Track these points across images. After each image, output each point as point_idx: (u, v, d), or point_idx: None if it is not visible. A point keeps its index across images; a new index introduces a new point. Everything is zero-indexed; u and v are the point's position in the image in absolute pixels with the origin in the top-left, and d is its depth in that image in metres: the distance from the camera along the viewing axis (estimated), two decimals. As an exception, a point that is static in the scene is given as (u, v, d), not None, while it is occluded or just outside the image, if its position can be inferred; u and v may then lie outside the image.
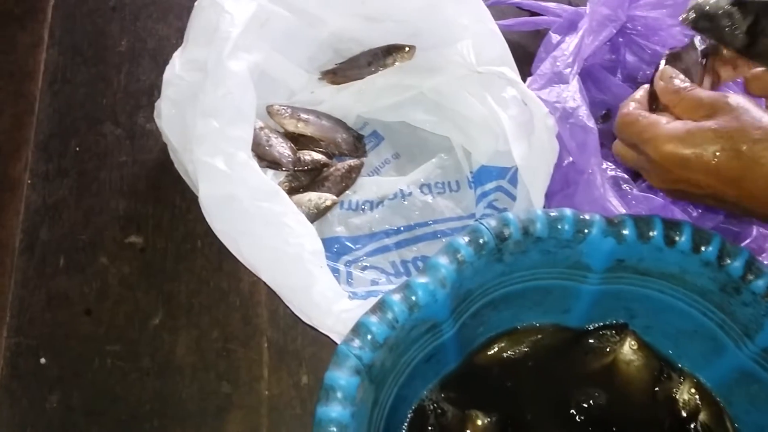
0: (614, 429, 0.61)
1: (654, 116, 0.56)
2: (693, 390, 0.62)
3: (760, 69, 0.59)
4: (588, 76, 0.83)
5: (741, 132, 0.50)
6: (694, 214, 0.73)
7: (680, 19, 0.60)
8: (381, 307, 0.52)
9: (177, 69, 0.68)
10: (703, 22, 0.58)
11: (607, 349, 0.63)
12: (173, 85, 0.68)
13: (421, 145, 0.81)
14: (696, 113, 0.54)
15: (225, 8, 0.67)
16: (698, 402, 0.62)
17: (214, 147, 0.62)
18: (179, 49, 0.70)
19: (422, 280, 0.53)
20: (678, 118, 0.55)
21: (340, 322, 0.58)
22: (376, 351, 0.51)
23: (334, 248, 0.74)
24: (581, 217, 0.56)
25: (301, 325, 0.63)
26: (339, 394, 0.49)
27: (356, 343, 0.51)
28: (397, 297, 0.52)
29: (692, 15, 0.59)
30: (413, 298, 0.52)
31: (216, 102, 0.63)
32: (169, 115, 0.68)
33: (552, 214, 0.56)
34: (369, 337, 0.51)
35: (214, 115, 0.63)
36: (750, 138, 0.50)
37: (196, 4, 0.70)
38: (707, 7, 0.58)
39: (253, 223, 0.61)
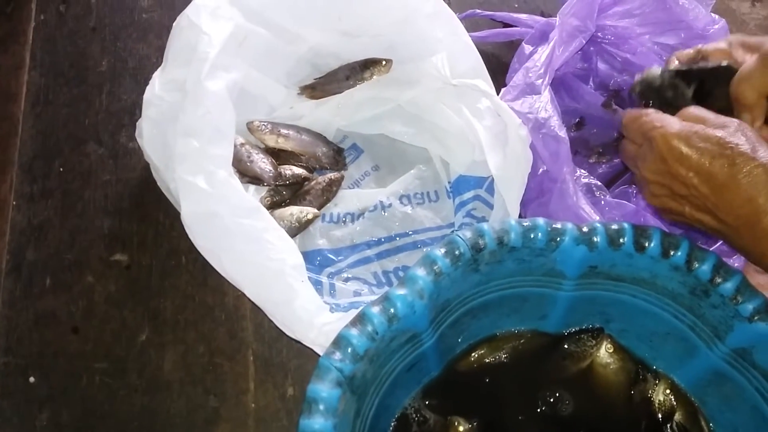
0: (594, 431, 0.63)
1: (665, 115, 0.59)
2: (668, 391, 0.64)
3: None
4: (561, 85, 0.85)
5: (740, 146, 0.53)
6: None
7: (629, 91, 0.63)
8: (361, 319, 0.54)
9: (157, 89, 0.69)
10: (650, 94, 0.62)
11: (585, 354, 0.65)
12: (153, 105, 0.69)
13: (400, 157, 0.83)
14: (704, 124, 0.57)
15: (203, 29, 0.69)
16: (674, 402, 0.64)
17: (195, 166, 0.63)
18: (159, 70, 0.71)
19: (401, 292, 0.54)
20: None
21: (322, 335, 0.59)
22: (357, 363, 0.52)
23: (316, 261, 0.75)
24: (553, 226, 0.57)
25: (286, 338, 0.65)
26: (321, 407, 0.50)
27: (337, 355, 0.52)
28: (376, 309, 0.54)
29: (638, 89, 0.63)
30: (392, 310, 0.54)
31: (195, 122, 0.64)
32: (150, 134, 0.69)
33: (525, 224, 0.57)
34: (349, 349, 0.52)
35: (194, 134, 0.64)
36: (744, 153, 0.53)
37: (174, 24, 0.71)
38: (651, 82, 0.63)
39: (234, 239, 0.62)
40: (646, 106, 0.61)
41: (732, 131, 0.54)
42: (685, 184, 0.56)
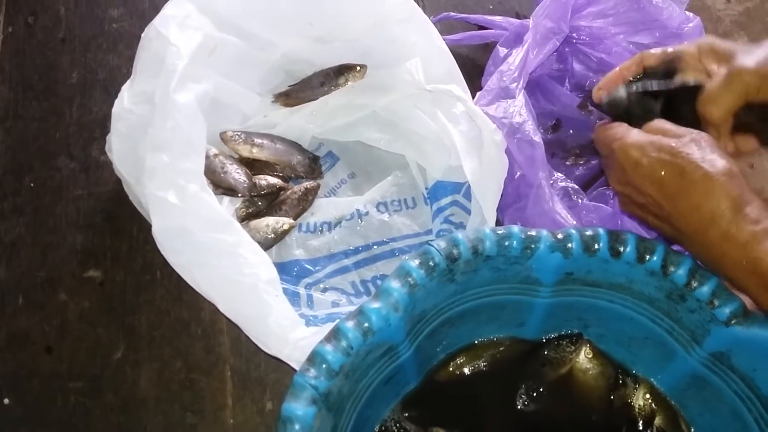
0: (574, 437, 0.63)
1: (627, 126, 0.60)
2: (648, 395, 0.64)
3: None
4: (537, 87, 0.84)
5: (690, 155, 0.53)
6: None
7: (599, 105, 0.65)
8: (335, 335, 0.53)
9: (126, 102, 0.68)
10: (619, 111, 0.63)
11: (564, 359, 0.65)
12: (122, 119, 0.68)
13: (377, 164, 0.82)
14: (673, 134, 0.57)
15: (170, 40, 0.68)
16: (653, 407, 0.63)
17: (165, 180, 0.62)
18: (128, 82, 0.70)
19: (375, 305, 0.54)
20: None
21: (297, 350, 0.58)
22: (332, 379, 0.52)
23: (293, 272, 0.75)
24: (528, 233, 0.57)
25: (264, 352, 0.63)
26: (296, 426, 0.49)
27: (312, 372, 0.51)
28: (350, 324, 0.53)
29: (607, 106, 0.63)
30: (366, 324, 0.53)
31: (165, 135, 0.63)
32: (119, 149, 0.68)
33: (500, 232, 0.57)
34: (324, 366, 0.51)
35: (164, 148, 0.63)
36: (692, 161, 0.53)
37: (142, 35, 0.70)
38: (619, 103, 0.63)
39: (207, 254, 0.61)
40: (616, 120, 0.62)
41: (686, 141, 0.55)
42: (642, 193, 0.57)
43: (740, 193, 0.52)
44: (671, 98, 0.61)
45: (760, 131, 0.60)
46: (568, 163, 0.82)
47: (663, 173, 0.55)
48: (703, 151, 0.54)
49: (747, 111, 0.58)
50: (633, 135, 0.58)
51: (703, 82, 0.59)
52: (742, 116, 0.59)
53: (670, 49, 0.64)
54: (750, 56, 0.57)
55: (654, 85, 0.62)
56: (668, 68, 0.63)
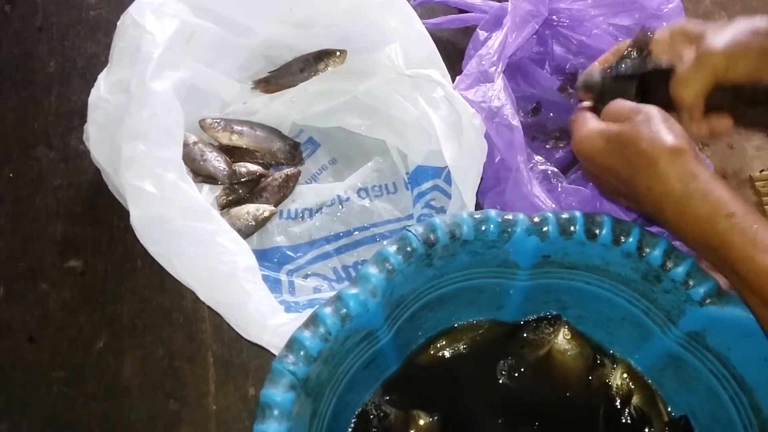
0: (553, 419, 0.64)
1: (588, 115, 0.60)
2: (625, 375, 0.64)
3: None
4: (517, 70, 0.84)
5: (634, 140, 0.54)
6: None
7: (575, 88, 0.65)
8: (313, 321, 0.53)
9: (102, 91, 0.68)
10: (593, 93, 0.63)
11: (543, 341, 0.65)
12: (99, 108, 0.67)
13: (357, 150, 0.82)
14: (621, 116, 0.57)
15: (146, 28, 0.67)
16: (631, 386, 0.64)
17: (143, 169, 0.62)
18: (104, 71, 0.70)
19: (353, 291, 0.54)
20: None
21: (276, 336, 0.59)
22: (311, 365, 0.52)
23: (275, 258, 0.75)
24: (505, 217, 0.57)
25: (246, 339, 0.64)
26: (275, 412, 0.50)
27: (290, 359, 0.52)
28: (328, 310, 0.53)
29: (582, 89, 0.64)
30: (344, 309, 0.53)
31: (141, 124, 0.63)
32: (96, 138, 0.67)
33: (477, 216, 0.57)
34: (302, 352, 0.52)
35: (141, 137, 0.63)
36: (637, 148, 0.53)
37: (118, 24, 0.70)
38: (593, 87, 0.63)
39: (185, 243, 0.61)
40: (594, 102, 0.62)
41: (635, 123, 0.55)
42: (603, 179, 0.58)
43: (684, 170, 0.52)
44: (645, 81, 0.61)
45: (734, 112, 0.61)
46: (548, 146, 0.82)
47: (614, 162, 0.56)
48: (650, 131, 0.53)
49: (719, 92, 0.58)
50: (587, 127, 0.58)
51: (675, 65, 0.59)
52: (715, 98, 0.59)
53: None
54: (718, 37, 0.57)
55: (627, 68, 0.63)
56: (640, 49, 0.63)
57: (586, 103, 0.63)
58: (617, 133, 0.55)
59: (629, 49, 0.64)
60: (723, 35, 0.57)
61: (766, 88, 0.58)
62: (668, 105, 0.59)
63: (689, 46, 0.60)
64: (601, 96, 0.62)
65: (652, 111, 0.55)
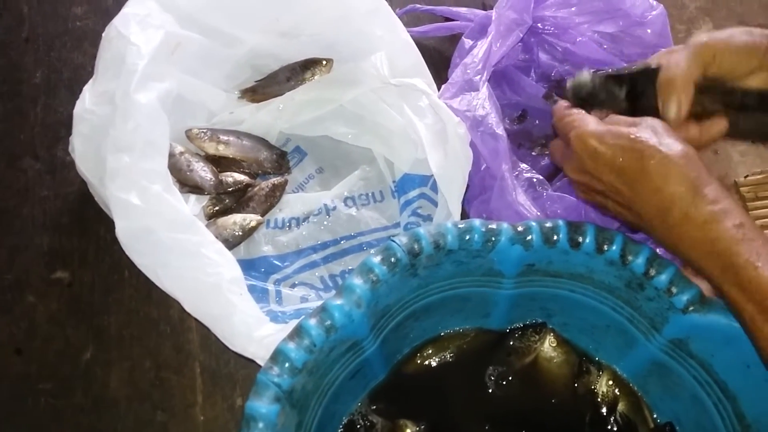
0: (540, 426, 0.64)
1: (587, 115, 0.60)
2: (611, 382, 0.65)
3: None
4: (503, 78, 0.85)
5: (647, 140, 0.54)
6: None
7: (564, 94, 0.65)
8: (298, 332, 0.53)
9: (87, 103, 0.68)
10: (583, 95, 0.63)
11: (529, 348, 0.66)
12: (84, 120, 0.67)
13: (344, 158, 0.82)
14: (624, 123, 0.58)
15: (131, 40, 0.67)
16: (617, 393, 0.65)
17: (128, 181, 0.62)
18: (89, 83, 0.70)
19: (337, 302, 0.54)
20: None
21: (262, 348, 0.59)
22: (296, 377, 0.52)
23: (262, 268, 0.75)
24: (489, 227, 0.57)
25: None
26: (260, 424, 0.50)
27: (275, 370, 0.52)
28: (313, 321, 0.53)
29: (571, 94, 0.63)
30: (329, 321, 0.53)
31: (126, 136, 0.63)
32: (82, 150, 0.67)
33: (461, 226, 0.57)
34: (287, 364, 0.52)
35: (125, 149, 0.63)
36: (651, 146, 0.54)
37: (103, 35, 0.70)
38: (583, 87, 0.63)
39: (171, 255, 0.61)
40: (582, 107, 0.62)
41: (643, 127, 0.56)
42: (602, 181, 0.57)
43: (698, 174, 0.53)
44: (635, 82, 0.62)
45: (727, 119, 0.61)
46: (534, 153, 0.82)
47: (622, 159, 0.55)
48: (659, 136, 0.54)
49: (710, 97, 0.59)
50: (590, 124, 0.58)
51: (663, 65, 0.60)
52: (706, 103, 0.59)
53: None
54: (704, 35, 0.59)
55: (617, 68, 0.63)
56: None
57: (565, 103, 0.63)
58: (628, 132, 0.55)
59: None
60: (708, 34, 0.58)
61: (756, 93, 0.59)
62: (658, 107, 0.59)
63: (675, 52, 0.60)
64: (590, 96, 0.62)
65: (656, 120, 0.56)
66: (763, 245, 0.49)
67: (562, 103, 0.63)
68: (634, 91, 0.62)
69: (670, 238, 0.54)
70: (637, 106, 0.61)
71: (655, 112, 0.59)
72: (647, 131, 0.55)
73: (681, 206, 0.52)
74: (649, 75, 0.60)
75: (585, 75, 0.63)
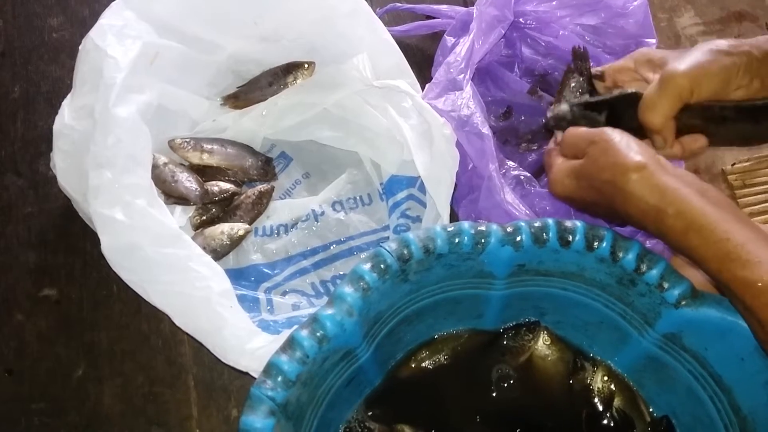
0: (537, 424, 0.64)
1: (554, 155, 0.61)
2: (606, 377, 0.65)
3: None
4: (487, 75, 0.84)
5: (597, 173, 0.55)
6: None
7: (543, 126, 0.65)
8: (290, 344, 0.53)
9: (66, 118, 0.67)
10: (565, 126, 0.63)
11: (523, 347, 0.65)
12: (64, 135, 0.66)
13: (330, 162, 0.82)
14: (579, 150, 0.58)
15: (108, 53, 0.66)
16: (612, 388, 0.64)
17: (111, 197, 0.61)
18: (68, 97, 0.69)
19: (329, 312, 0.54)
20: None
21: (255, 360, 0.58)
22: (290, 389, 0.52)
23: (252, 277, 0.74)
24: (478, 229, 0.57)
25: (225, 362, 0.64)
26: (255, 439, 0.49)
27: (268, 384, 0.51)
28: (305, 332, 0.53)
29: (552, 123, 0.64)
30: (321, 331, 0.53)
31: (107, 151, 0.62)
32: (63, 167, 0.67)
33: (450, 229, 0.57)
34: (280, 377, 0.51)
35: (107, 165, 0.62)
36: (601, 179, 0.54)
37: (79, 48, 0.69)
38: (563, 117, 0.63)
39: (158, 270, 0.60)
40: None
41: (593, 155, 0.55)
42: (589, 211, 0.60)
43: (651, 188, 0.51)
44: (614, 108, 0.62)
45: (706, 132, 0.61)
46: (520, 149, 0.82)
47: (591, 196, 0.57)
48: (607, 159, 0.54)
49: (688, 114, 0.59)
50: (554, 170, 0.59)
51: (641, 91, 0.60)
52: (685, 119, 0.60)
53: (606, 66, 0.66)
54: (680, 61, 0.58)
55: (594, 96, 0.63)
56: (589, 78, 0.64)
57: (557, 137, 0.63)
58: (580, 169, 0.56)
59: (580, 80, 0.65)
60: (685, 59, 0.58)
61: (733, 106, 0.59)
62: (639, 129, 0.59)
63: (653, 71, 0.60)
64: (571, 125, 0.62)
65: (604, 136, 0.55)
66: (730, 242, 0.48)
67: (547, 148, 0.64)
68: (614, 115, 0.62)
69: (669, 244, 0.54)
70: (618, 127, 0.60)
71: (636, 131, 0.59)
72: (599, 157, 0.55)
73: (651, 224, 0.52)
74: (628, 100, 0.61)
75: (563, 107, 0.63)
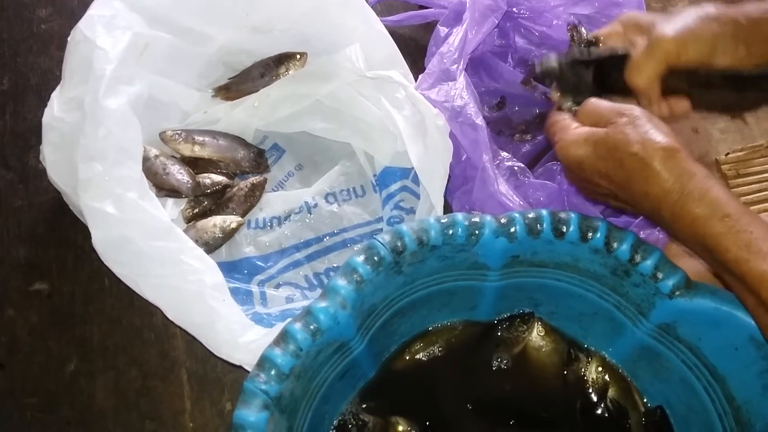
0: (532, 415, 0.64)
1: (568, 121, 0.59)
2: (600, 368, 0.65)
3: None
4: (480, 65, 0.84)
5: (624, 144, 0.53)
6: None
7: (534, 76, 0.64)
8: (283, 337, 0.52)
9: (56, 111, 0.66)
10: (552, 79, 0.62)
11: (518, 338, 0.65)
12: (53, 128, 0.66)
13: (323, 154, 0.81)
14: (598, 122, 0.56)
15: (97, 44, 0.66)
16: (606, 379, 0.64)
17: (101, 190, 0.61)
18: (57, 89, 0.68)
19: (322, 304, 0.53)
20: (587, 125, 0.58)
21: (249, 353, 0.58)
22: (283, 382, 0.51)
23: (245, 270, 0.74)
24: (472, 220, 0.57)
25: (218, 355, 0.64)
26: (249, 433, 0.49)
27: (262, 377, 0.51)
28: (298, 325, 0.53)
29: (540, 74, 0.63)
30: (314, 324, 0.53)
31: (97, 144, 0.61)
32: (53, 160, 0.66)
33: (443, 221, 0.57)
34: (273, 371, 0.51)
35: (97, 158, 0.61)
36: (628, 151, 0.52)
37: (69, 39, 0.68)
38: (551, 72, 0.62)
39: (150, 263, 0.60)
40: (550, 85, 0.62)
41: (621, 125, 0.54)
42: (594, 184, 0.57)
43: (681, 171, 0.51)
44: (601, 67, 0.61)
45: (690, 95, 0.61)
46: (514, 139, 0.82)
47: (605, 167, 0.54)
48: (638, 133, 0.53)
49: (674, 77, 0.59)
50: (570, 133, 0.57)
51: (630, 51, 0.59)
52: (671, 82, 0.59)
53: (596, 32, 0.65)
54: (669, 25, 0.57)
55: (584, 52, 0.63)
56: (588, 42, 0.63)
57: (562, 104, 0.62)
58: (604, 137, 0.54)
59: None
60: (673, 23, 0.57)
61: (720, 73, 0.58)
62: (625, 90, 0.59)
63: (641, 34, 0.60)
64: (558, 80, 0.62)
65: (636, 111, 0.54)
66: (753, 234, 0.48)
67: (553, 112, 0.62)
68: (602, 74, 0.61)
69: (670, 233, 0.54)
70: (605, 86, 0.61)
71: (623, 91, 0.59)
72: (626, 129, 0.53)
73: (668, 207, 0.51)
74: (616, 60, 0.60)
75: (552, 60, 0.62)
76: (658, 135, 0.52)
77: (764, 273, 0.47)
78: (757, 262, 0.47)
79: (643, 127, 0.53)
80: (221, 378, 0.70)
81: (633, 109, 0.55)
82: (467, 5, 0.76)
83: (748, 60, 0.57)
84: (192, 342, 0.71)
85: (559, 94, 0.62)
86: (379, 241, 0.55)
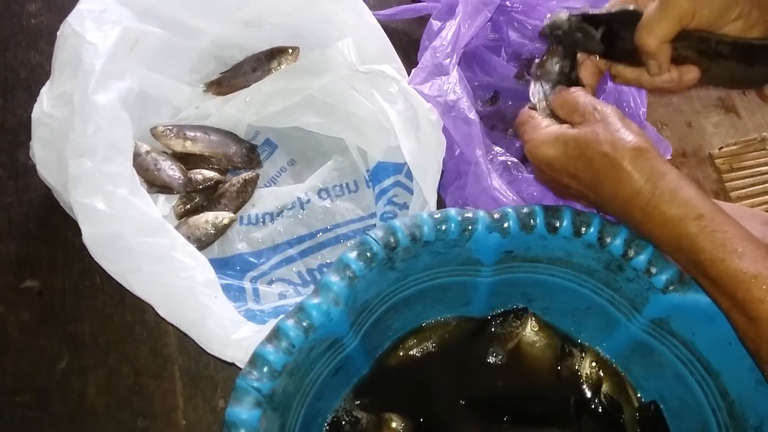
0: (526, 411, 0.64)
1: (539, 118, 0.58)
2: (594, 363, 0.65)
3: (620, 66, 0.61)
4: (473, 59, 0.83)
5: (594, 143, 0.52)
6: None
7: (538, 33, 0.62)
8: (276, 334, 0.52)
9: (45, 106, 0.66)
10: (559, 38, 0.60)
11: (511, 334, 0.65)
12: (43, 124, 0.65)
13: (316, 149, 0.81)
14: (572, 117, 0.56)
15: (87, 38, 0.65)
16: (600, 374, 0.64)
17: (91, 187, 0.60)
18: (46, 84, 0.67)
19: (315, 301, 0.53)
20: (561, 120, 0.57)
21: (241, 350, 0.58)
22: (276, 379, 0.51)
23: (237, 266, 0.73)
24: (465, 215, 0.56)
25: (210, 352, 0.63)
26: (242, 430, 0.49)
27: (254, 375, 0.51)
28: (291, 322, 0.52)
29: (547, 32, 0.61)
30: (307, 321, 0.52)
31: (86, 140, 0.61)
32: (43, 156, 0.65)
33: (436, 216, 0.56)
34: (266, 368, 0.51)
35: (87, 154, 0.61)
36: (598, 151, 0.52)
37: (58, 34, 0.67)
38: (559, 27, 0.60)
39: (141, 260, 0.59)
40: (560, 45, 0.60)
41: (592, 124, 0.53)
42: (564, 185, 0.56)
43: (651, 170, 0.50)
44: (611, 25, 0.60)
45: (699, 66, 0.59)
46: (508, 135, 0.82)
47: (576, 168, 0.54)
48: (609, 132, 0.52)
49: (684, 44, 0.58)
50: (540, 132, 0.56)
51: (642, 10, 0.58)
52: (681, 49, 0.58)
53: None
54: None
55: (594, 9, 0.61)
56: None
57: (536, 96, 0.61)
58: (575, 136, 0.53)
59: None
60: None
61: (730, 42, 0.57)
62: (634, 52, 0.58)
63: None
64: (566, 37, 0.60)
65: (607, 110, 0.54)
66: (727, 233, 0.48)
67: (523, 110, 0.61)
68: (611, 34, 0.60)
69: (642, 234, 0.54)
70: (613, 48, 0.60)
71: (631, 56, 0.58)
72: (597, 127, 0.53)
73: (639, 207, 0.51)
74: (627, 18, 0.58)
75: (561, 15, 0.60)
76: (628, 134, 0.52)
77: (740, 272, 0.47)
78: (732, 261, 0.47)
79: (614, 125, 0.52)
80: (214, 375, 0.69)
81: (606, 106, 0.54)
82: (460, -1, 0.76)
83: (759, 26, 0.56)
84: (184, 339, 0.70)
85: (535, 85, 0.60)
86: (372, 237, 0.55)
